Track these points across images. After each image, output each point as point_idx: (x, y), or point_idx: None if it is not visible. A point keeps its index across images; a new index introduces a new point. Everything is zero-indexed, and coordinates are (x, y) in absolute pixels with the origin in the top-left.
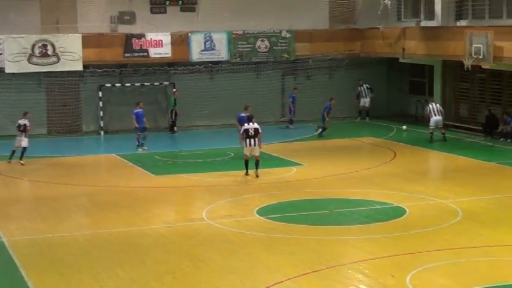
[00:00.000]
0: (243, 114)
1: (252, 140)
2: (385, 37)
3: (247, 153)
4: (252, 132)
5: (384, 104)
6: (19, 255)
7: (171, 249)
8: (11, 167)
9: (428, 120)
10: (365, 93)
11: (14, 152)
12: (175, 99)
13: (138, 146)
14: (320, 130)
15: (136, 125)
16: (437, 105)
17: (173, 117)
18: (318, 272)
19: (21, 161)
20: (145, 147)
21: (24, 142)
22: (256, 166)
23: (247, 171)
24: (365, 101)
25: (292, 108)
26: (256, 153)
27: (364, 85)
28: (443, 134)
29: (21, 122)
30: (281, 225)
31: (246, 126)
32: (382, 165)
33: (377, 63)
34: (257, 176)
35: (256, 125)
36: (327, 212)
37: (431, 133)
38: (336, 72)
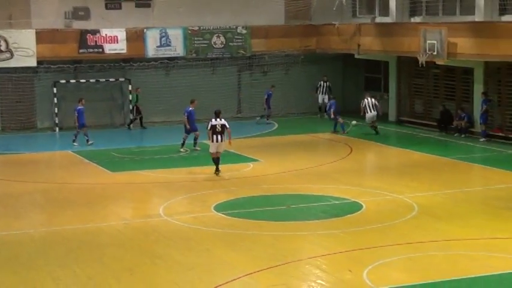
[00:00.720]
0: (190, 109)
1: (219, 136)
2: (341, 33)
3: (214, 150)
4: (219, 128)
5: (339, 99)
6: None
7: (128, 246)
8: None
9: (364, 116)
10: (324, 90)
11: None
12: (137, 96)
13: (74, 141)
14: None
15: (77, 123)
16: (373, 99)
17: (135, 114)
18: (275, 267)
19: None
20: (77, 144)
21: None
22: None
23: (217, 169)
24: (323, 97)
25: (265, 106)
26: (221, 150)
27: (328, 83)
28: (375, 127)
29: None
30: (239, 221)
31: (213, 122)
32: (338, 160)
33: (333, 59)
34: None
35: (223, 121)
36: (283, 207)
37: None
38: (292, 68)
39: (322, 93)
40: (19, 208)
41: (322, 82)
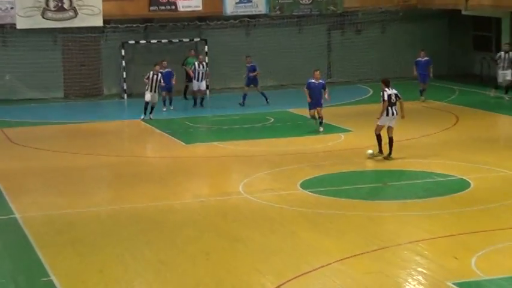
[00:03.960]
0: (312, 80)
1: (394, 109)
2: None
3: (385, 124)
4: (393, 98)
5: (444, 62)
6: (34, 233)
7: (204, 227)
8: (25, 134)
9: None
10: (507, 64)
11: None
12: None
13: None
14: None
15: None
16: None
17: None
18: (369, 253)
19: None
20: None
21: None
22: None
23: (385, 152)
24: (505, 74)
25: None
26: (393, 125)
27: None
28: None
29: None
30: (328, 200)
31: (388, 91)
32: (442, 131)
33: (436, 16)
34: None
35: (395, 90)
36: (380, 185)
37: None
38: (389, 27)
39: (504, 68)
40: (84, 184)
41: (503, 53)
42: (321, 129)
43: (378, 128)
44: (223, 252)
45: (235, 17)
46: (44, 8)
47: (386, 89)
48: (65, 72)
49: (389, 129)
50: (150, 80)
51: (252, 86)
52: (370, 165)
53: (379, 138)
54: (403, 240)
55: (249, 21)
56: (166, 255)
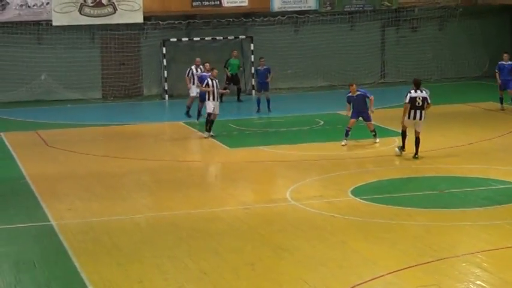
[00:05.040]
0: (350, 94)
1: (419, 112)
2: None
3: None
4: (419, 102)
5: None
6: (70, 241)
7: (248, 236)
8: (61, 137)
9: None
10: None
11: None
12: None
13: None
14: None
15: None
16: None
17: (230, 83)
18: (425, 264)
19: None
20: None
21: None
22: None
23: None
24: None
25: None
26: (420, 129)
27: None
28: None
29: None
30: (381, 208)
31: (412, 94)
32: (504, 135)
33: (499, 12)
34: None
35: (424, 93)
36: (436, 192)
37: None
38: (447, 24)
39: None
40: (122, 190)
41: None
42: (377, 140)
43: (403, 126)
44: (268, 263)
45: (283, 13)
46: (82, 4)
47: (412, 90)
48: (103, 72)
49: (416, 132)
50: (211, 87)
51: (263, 91)
52: (426, 171)
53: (403, 134)
54: (460, 252)
55: (297, 18)
56: (209, 265)
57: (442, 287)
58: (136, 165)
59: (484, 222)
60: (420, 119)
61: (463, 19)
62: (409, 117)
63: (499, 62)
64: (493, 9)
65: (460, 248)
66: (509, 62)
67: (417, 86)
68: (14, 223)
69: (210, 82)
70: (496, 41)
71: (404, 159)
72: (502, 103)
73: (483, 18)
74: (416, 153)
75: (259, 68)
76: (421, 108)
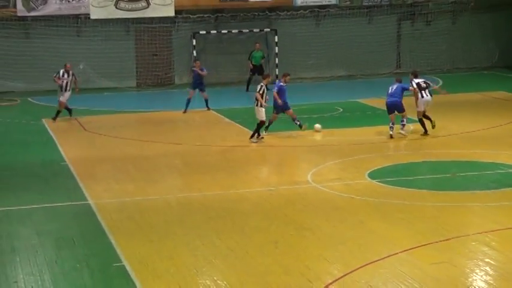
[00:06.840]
0: (281, 84)
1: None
2: None
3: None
4: (423, 84)
5: None
6: (107, 219)
7: (273, 215)
8: (98, 123)
9: None
10: None
11: None
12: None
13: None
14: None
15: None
16: None
17: (254, 73)
18: (437, 243)
19: None
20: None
21: None
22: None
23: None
24: None
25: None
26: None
27: None
28: None
29: None
30: (396, 190)
31: (416, 80)
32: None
33: (508, 6)
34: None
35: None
36: (448, 175)
37: None
38: (460, 17)
39: None
40: (154, 172)
41: None
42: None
43: (419, 114)
44: (291, 241)
45: (305, 7)
46: None
47: (415, 79)
48: (137, 62)
49: (425, 111)
50: (263, 92)
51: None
52: (439, 156)
53: (421, 122)
54: (471, 231)
55: (318, 12)
56: (236, 242)
57: (453, 264)
58: (168, 149)
59: (493, 203)
60: (431, 95)
61: (475, 13)
62: (422, 97)
63: None
64: (502, 3)
65: (470, 227)
66: None
67: (415, 76)
68: (54, 202)
69: (261, 89)
70: (506, 33)
71: (421, 144)
72: None
73: (493, 12)
74: (432, 122)
75: (281, 84)
76: (427, 87)
